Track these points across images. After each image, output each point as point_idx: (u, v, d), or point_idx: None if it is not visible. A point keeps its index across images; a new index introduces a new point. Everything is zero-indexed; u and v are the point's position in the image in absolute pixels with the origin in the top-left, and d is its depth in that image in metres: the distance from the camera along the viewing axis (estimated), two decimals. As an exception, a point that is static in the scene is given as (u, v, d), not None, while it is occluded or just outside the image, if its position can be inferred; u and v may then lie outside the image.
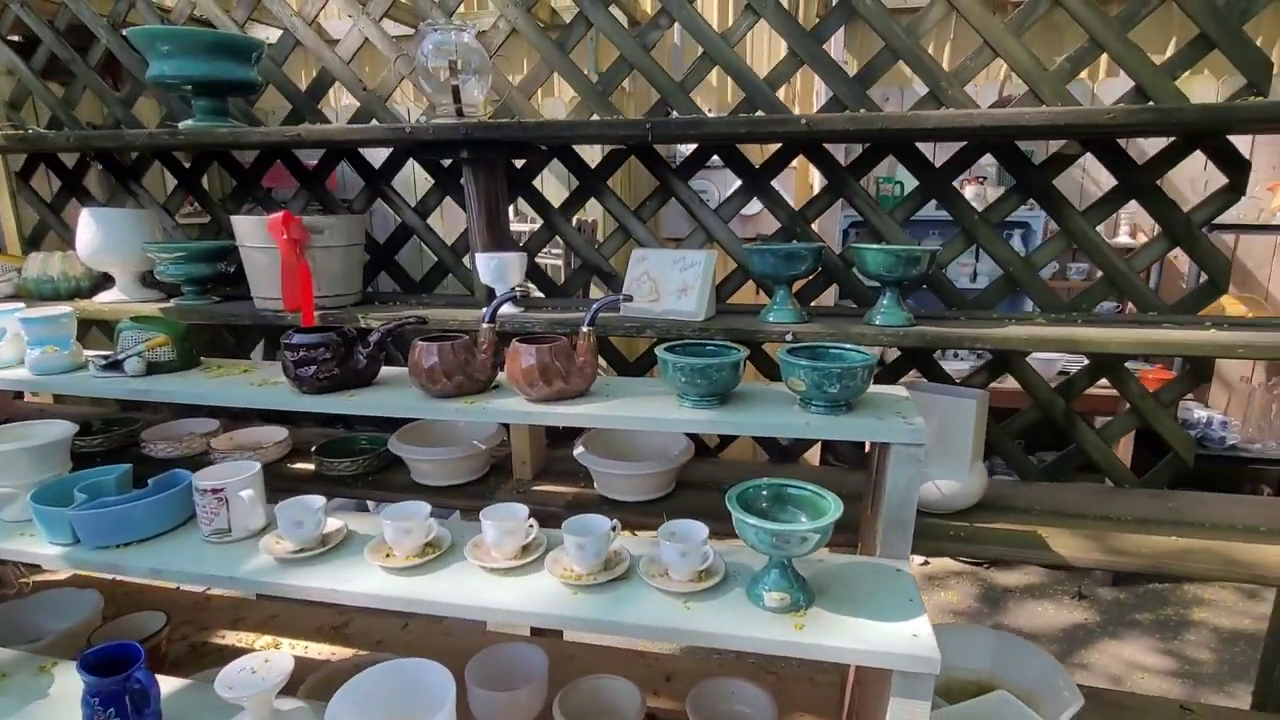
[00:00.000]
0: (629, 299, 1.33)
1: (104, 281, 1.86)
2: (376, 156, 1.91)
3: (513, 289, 1.36)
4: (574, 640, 1.78)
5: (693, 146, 1.71)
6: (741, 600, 1.06)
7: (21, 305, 1.58)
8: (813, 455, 3.25)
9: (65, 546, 1.23)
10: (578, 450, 1.59)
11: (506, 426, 1.75)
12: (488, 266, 1.54)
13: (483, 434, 1.70)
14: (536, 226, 1.87)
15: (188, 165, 2.02)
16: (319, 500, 1.23)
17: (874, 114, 1.30)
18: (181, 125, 1.61)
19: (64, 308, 1.57)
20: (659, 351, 1.24)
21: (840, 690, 1.53)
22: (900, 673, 0.95)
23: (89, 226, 1.71)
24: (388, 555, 1.18)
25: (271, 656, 1.04)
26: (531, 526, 1.18)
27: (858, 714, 1.29)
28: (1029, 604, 3.23)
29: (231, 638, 1.78)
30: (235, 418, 2.14)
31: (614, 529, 1.13)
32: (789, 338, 1.37)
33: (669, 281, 1.48)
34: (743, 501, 1.05)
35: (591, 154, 1.78)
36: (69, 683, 1.25)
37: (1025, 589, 3.35)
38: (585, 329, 1.28)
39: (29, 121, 2.10)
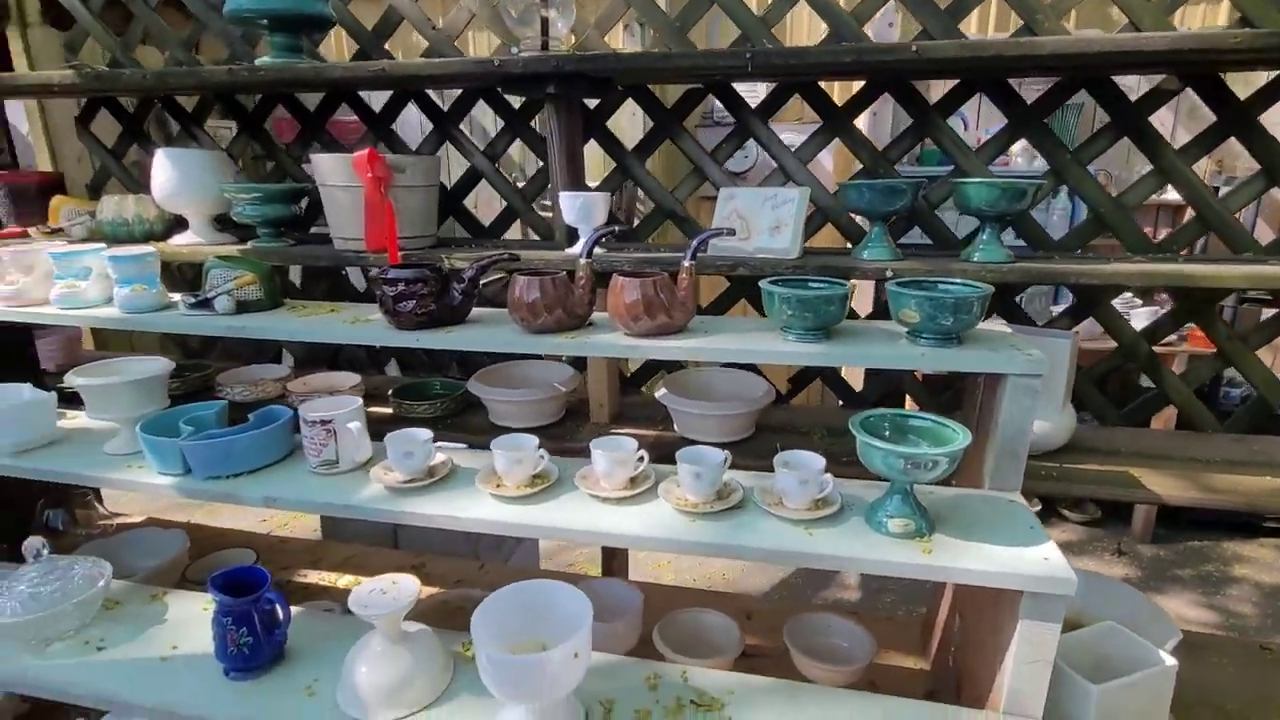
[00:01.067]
0: (732, 232, 1.31)
1: (176, 225, 1.85)
2: (443, 99, 1.88)
3: (610, 226, 1.34)
4: (653, 581, 1.81)
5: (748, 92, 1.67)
6: (862, 527, 1.06)
7: (100, 246, 1.58)
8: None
9: (176, 476, 1.25)
10: (660, 392, 1.59)
11: (582, 371, 1.75)
12: (572, 205, 1.52)
13: (560, 377, 1.70)
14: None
15: (250, 109, 1.99)
16: (426, 433, 1.24)
17: (988, 40, 1.26)
18: (259, 61, 1.59)
19: (148, 247, 1.57)
20: (764, 285, 1.23)
21: (922, 629, 1.55)
22: (1031, 595, 0.96)
23: (164, 168, 1.70)
24: (498, 485, 1.19)
25: (399, 579, 1.05)
26: (641, 459, 1.19)
27: (957, 650, 1.30)
28: (1070, 560, 3.25)
29: (313, 576, 1.81)
30: (302, 364, 2.15)
31: (726, 460, 1.13)
32: (888, 274, 1.35)
33: (760, 219, 1.46)
34: (866, 430, 1.04)
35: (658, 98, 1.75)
36: (181, 609, 1.28)
37: (1065, 545, 3.37)
38: (687, 262, 1.27)
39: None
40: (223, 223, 1.85)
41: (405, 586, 1.04)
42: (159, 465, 1.26)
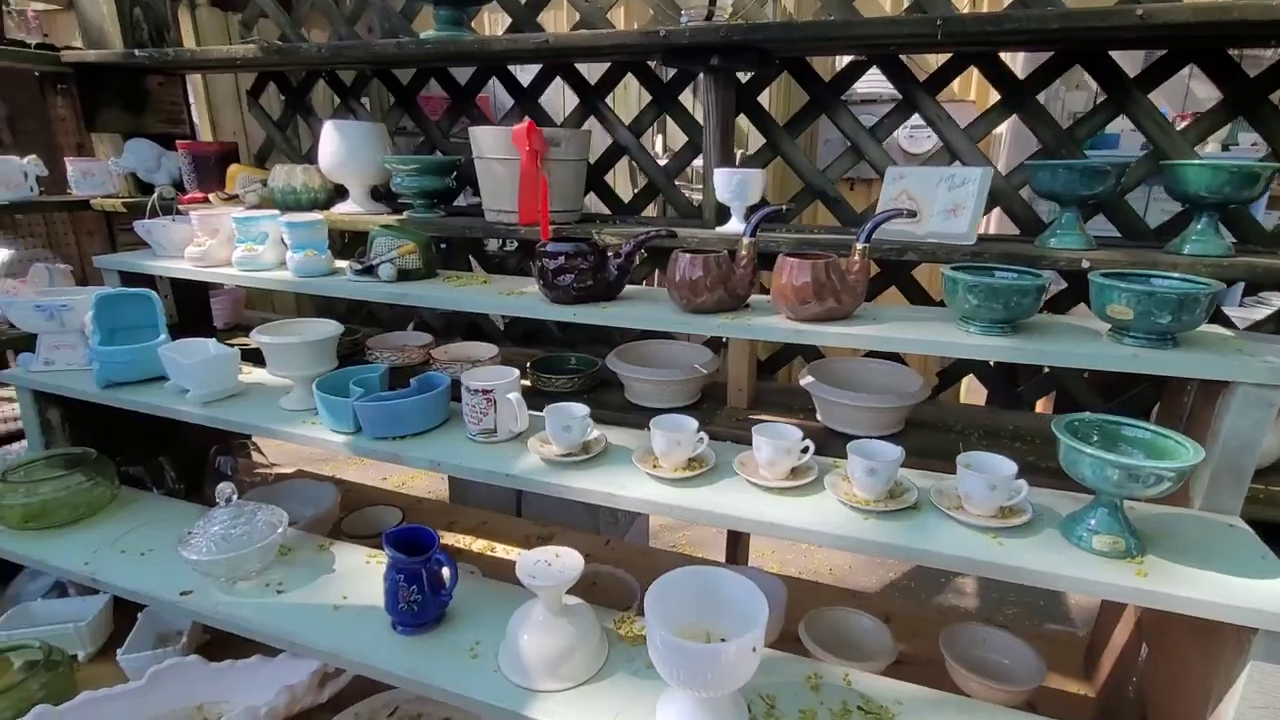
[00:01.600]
0: (913, 214, 1.23)
1: (336, 194, 1.94)
2: (590, 73, 1.87)
3: (775, 205, 1.29)
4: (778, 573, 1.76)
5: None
6: (1058, 541, 0.97)
7: (275, 212, 1.67)
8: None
9: (348, 435, 1.30)
10: (806, 380, 1.53)
11: (722, 352, 1.71)
12: (728, 183, 1.47)
13: (700, 358, 1.67)
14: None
15: (405, 83, 2.05)
16: (583, 408, 1.24)
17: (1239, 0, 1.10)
18: (424, 35, 1.62)
19: (317, 215, 1.65)
20: (946, 271, 1.14)
21: (1087, 652, 1.43)
22: (1267, 634, 0.84)
23: (332, 138, 1.78)
24: (654, 465, 1.17)
25: (561, 552, 1.06)
26: (806, 449, 1.14)
27: (1141, 682, 1.19)
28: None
29: (449, 539, 1.88)
30: (438, 333, 2.22)
31: (901, 457, 1.07)
32: (1084, 265, 1.23)
33: (934, 201, 1.36)
34: (1072, 434, 0.95)
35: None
36: (347, 560, 1.34)
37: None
38: (860, 244, 1.20)
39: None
40: (377, 193, 1.92)
41: (569, 560, 1.04)
42: (332, 423, 1.32)
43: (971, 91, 3.35)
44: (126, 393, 1.50)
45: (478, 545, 1.85)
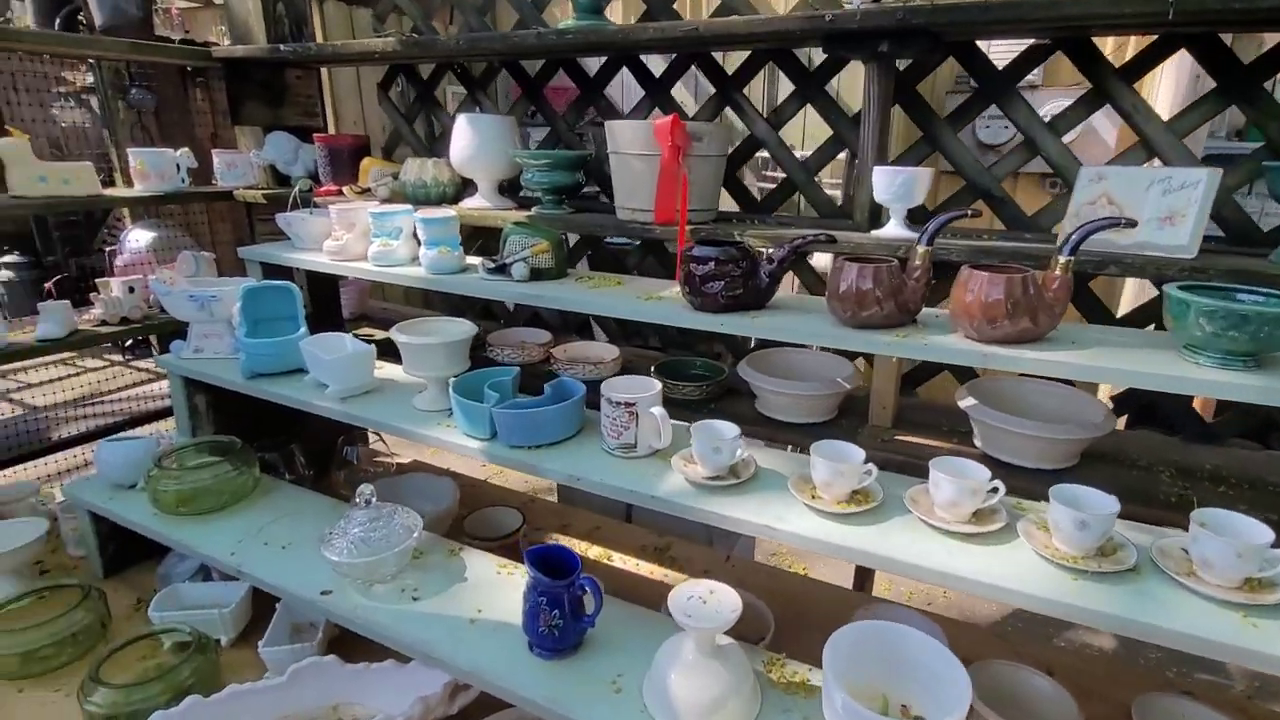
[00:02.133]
0: (1133, 223, 1.06)
1: (464, 188, 1.93)
2: (727, 62, 1.76)
3: (961, 210, 1.15)
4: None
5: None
6: (1330, 627, 0.80)
7: (409, 208, 1.66)
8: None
9: (484, 441, 1.27)
10: (967, 402, 1.38)
11: (865, 367, 1.58)
12: (890, 182, 1.34)
13: (841, 371, 1.54)
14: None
15: (533, 75, 2.01)
16: (734, 428, 1.15)
17: None
18: (563, 25, 1.56)
19: (450, 211, 1.62)
20: (1172, 290, 0.98)
21: (1303, 736, 1.22)
22: None
23: (464, 132, 1.75)
24: (813, 495, 1.07)
25: (716, 589, 0.98)
26: (995, 490, 1.00)
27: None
28: None
29: (565, 541, 1.83)
30: (553, 329, 2.18)
31: (1117, 510, 0.92)
32: (1344, 287, 1.03)
33: (1145, 207, 1.18)
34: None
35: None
36: (478, 569, 1.31)
37: None
38: (1064, 257, 1.04)
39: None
40: (504, 188, 1.89)
41: (725, 599, 0.96)
42: (467, 427, 1.29)
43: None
44: (269, 384, 1.53)
45: (593, 553, 1.80)
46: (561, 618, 1.04)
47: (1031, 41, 1.48)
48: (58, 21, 4.90)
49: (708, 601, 0.96)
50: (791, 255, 1.25)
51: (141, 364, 4.80)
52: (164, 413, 2.57)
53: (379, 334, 2.19)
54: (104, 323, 1.98)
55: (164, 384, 4.16)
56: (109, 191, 1.98)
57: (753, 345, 1.95)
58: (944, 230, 1.16)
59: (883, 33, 1.27)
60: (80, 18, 4.76)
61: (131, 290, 2.03)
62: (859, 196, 1.47)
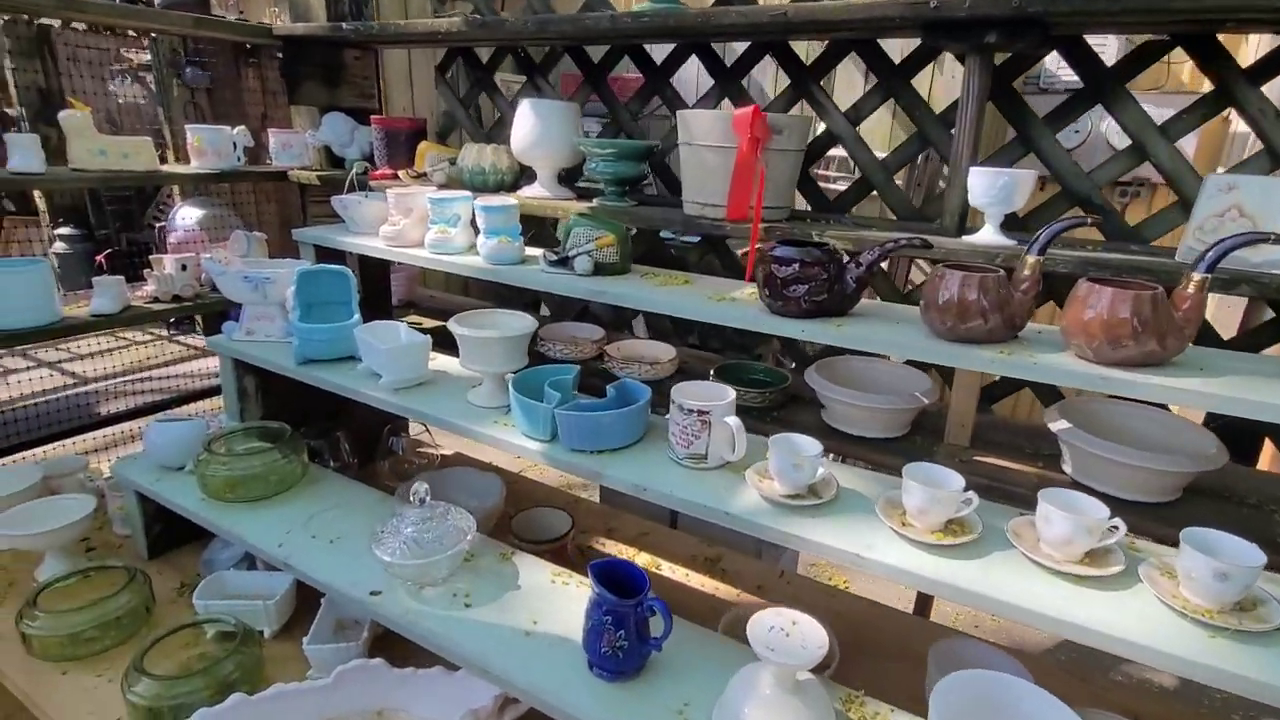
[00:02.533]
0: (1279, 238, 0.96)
1: (522, 176, 1.87)
2: (807, 53, 1.67)
3: (1079, 218, 1.05)
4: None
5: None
6: None
7: (468, 194, 1.60)
8: None
9: (543, 443, 1.21)
10: (1059, 425, 1.27)
11: (944, 381, 1.48)
12: (990, 185, 1.24)
13: (919, 385, 1.45)
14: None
15: (596, 61, 1.94)
16: (815, 444, 1.07)
17: None
18: (638, 7, 1.49)
19: (511, 199, 1.56)
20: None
21: None
22: None
23: (527, 118, 1.69)
24: (903, 522, 0.99)
25: (799, 620, 0.90)
26: (1114, 528, 0.91)
27: None
28: None
29: (611, 546, 1.78)
30: (609, 327, 2.12)
31: (1261, 565, 0.82)
32: None
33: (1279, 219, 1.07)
34: None
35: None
36: (531, 576, 1.25)
37: None
38: (1199, 275, 0.94)
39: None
40: (563, 178, 1.82)
41: (810, 633, 0.88)
42: (526, 427, 1.23)
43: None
44: (321, 370, 1.49)
45: (641, 559, 1.73)
46: (627, 639, 0.97)
47: (1147, 37, 1.37)
48: (119, -2, 4.94)
49: (791, 634, 0.89)
50: (881, 259, 1.16)
51: (185, 339, 4.87)
52: (208, 392, 2.56)
53: (428, 323, 2.15)
54: (156, 299, 1.97)
55: (207, 362, 4.21)
56: (165, 167, 1.96)
57: (815, 352, 1.86)
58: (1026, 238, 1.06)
59: (992, 22, 1.17)
60: (140, -5, 4.83)
61: (184, 268, 2.01)
62: (949, 199, 1.37)
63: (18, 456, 1.99)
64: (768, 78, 3.84)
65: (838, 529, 0.99)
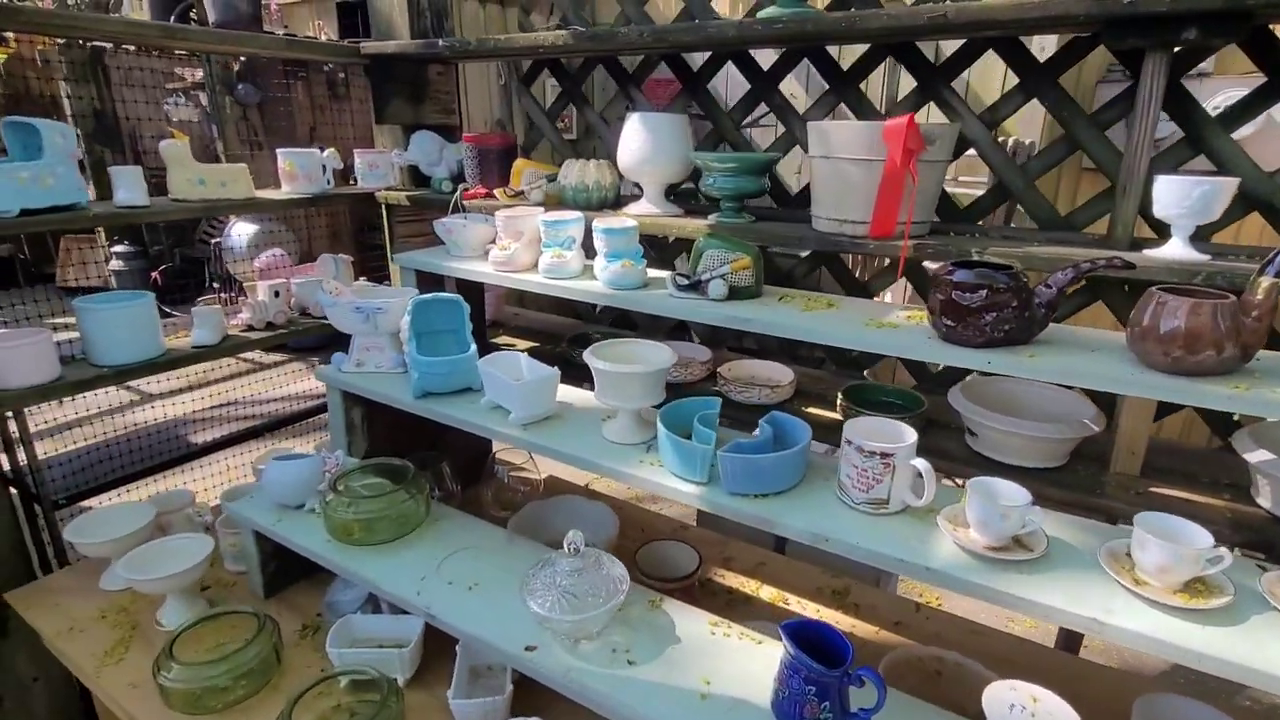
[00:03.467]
0: None
1: (624, 193, 1.79)
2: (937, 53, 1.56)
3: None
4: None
5: None
6: None
7: (580, 215, 1.53)
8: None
9: (698, 485, 1.13)
10: (1257, 455, 1.16)
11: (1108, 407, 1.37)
12: (1186, 194, 1.13)
13: (1074, 407, 1.34)
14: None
15: (695, 69, 1.86)
16: (1023, 493, 0.97)
17: None
18: (767, 13, 1.40)
19: (629, 219, 1.49)
20: None
21: None
22: None
23: (637, 131, 1.61)
24: (1136, 580, 0.89)
25: (1040, 696, 0.81)
26: (1404, 591, 0.80)
27: None
28: None
29: (731, 578, 1.70)
30: (707, 343, 2.04)
31: None
32: None
33: None
34: None
35: None
36: (688, 627, 1.17)
37: None
38: None
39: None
40: (670, 193, 1.74)
41: (1056, 711, 0.78)
42: (679, 468, 1.15)
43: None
44: (440, 404, 1.43)
45: (765, 593, 1.65)
46: (831, 711, 0.89)
47: (1345, 24, 1.24)
48: (172, 17, 5.01)
49: (1036, 714, 0.79)
50: (1074, 281, 1.06)
51: (272, 356, 4.87)
52: (303, 415, 2.54)
53: (520, 343, 2.09)
54: (250, 328, 1.94)
55: (302, 384, 4.17)
56: (261, 193, 1.93)
57: (938, 370, 1.75)
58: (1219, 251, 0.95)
59: (1193, 17, 1.06)
60: (193, 14, 4.87)
61: (276, 294, 1.98)
62: (1121, 208, 1.26)
63: (121, 491, 1.97)
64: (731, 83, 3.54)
65: (1062, 589, 0.89)
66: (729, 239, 1.37)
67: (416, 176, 2.19)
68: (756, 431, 1.15)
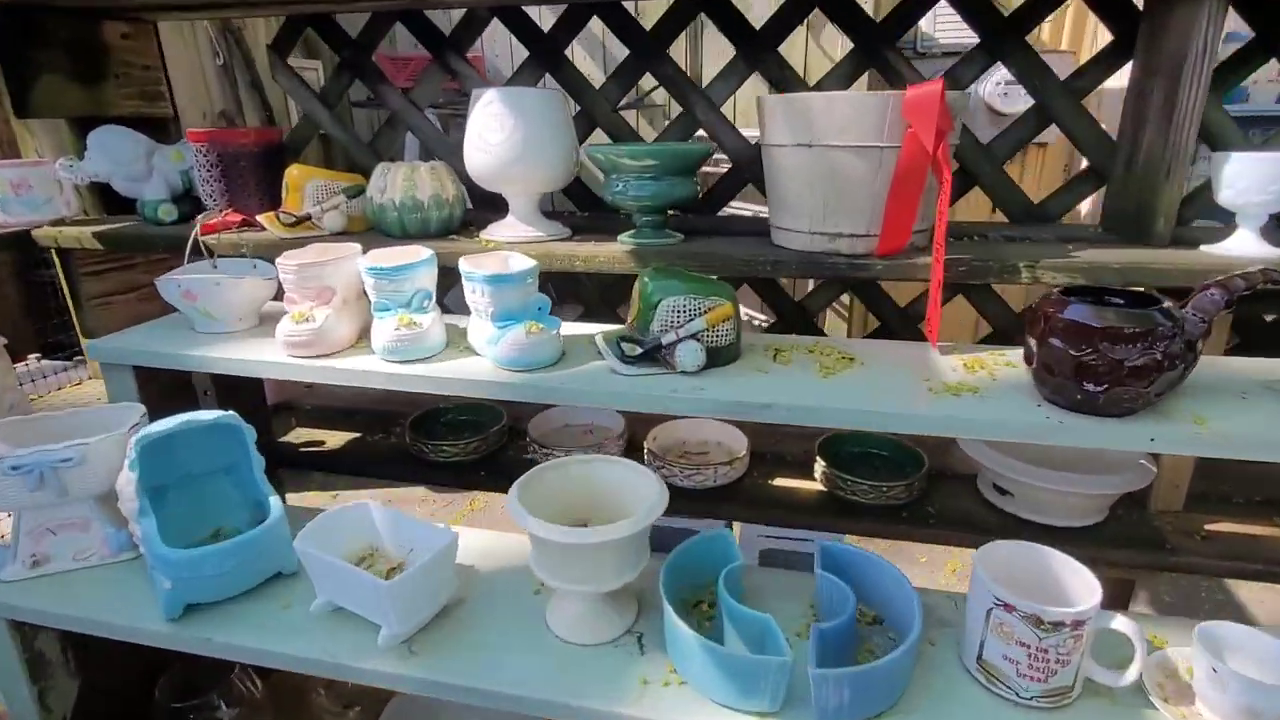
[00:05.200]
0: None
1: (481, 207, 1.22)
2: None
3: None
4: None
5: None
6: None
7: (431, 254, 0.95)
8: None
9: (763, 717, 0.65)
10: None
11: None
12: (1271, 177, 0.88)
13: (1129, 455, 1.10)
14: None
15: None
16: None
17: None
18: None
19: (524, 259, 0.93)
20: None
21: None
22: None
23: (499, 116, 1.05)
24: None
25: None
26: None
27: None
28: None
29: None
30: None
31: None
32: None
33: None
34: None
35: None
36: None
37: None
38: None
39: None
40: (550, 208, 1.21)
41: None
42: (728, 695, 0.66)
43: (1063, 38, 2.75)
44: (229, 626, 0.78)
45: None
46: None
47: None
48: None
49: None
50: (1225, 307, 0.75)
51: None
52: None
53: (333, 437, 1.41)
54: None
55: None
56: None
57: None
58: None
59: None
60: None
61: None
62: (1164, 193, 1.00)
63: None
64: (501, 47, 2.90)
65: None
66: (693, 276, 0.89)
67: (109, 198, 1.38)
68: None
